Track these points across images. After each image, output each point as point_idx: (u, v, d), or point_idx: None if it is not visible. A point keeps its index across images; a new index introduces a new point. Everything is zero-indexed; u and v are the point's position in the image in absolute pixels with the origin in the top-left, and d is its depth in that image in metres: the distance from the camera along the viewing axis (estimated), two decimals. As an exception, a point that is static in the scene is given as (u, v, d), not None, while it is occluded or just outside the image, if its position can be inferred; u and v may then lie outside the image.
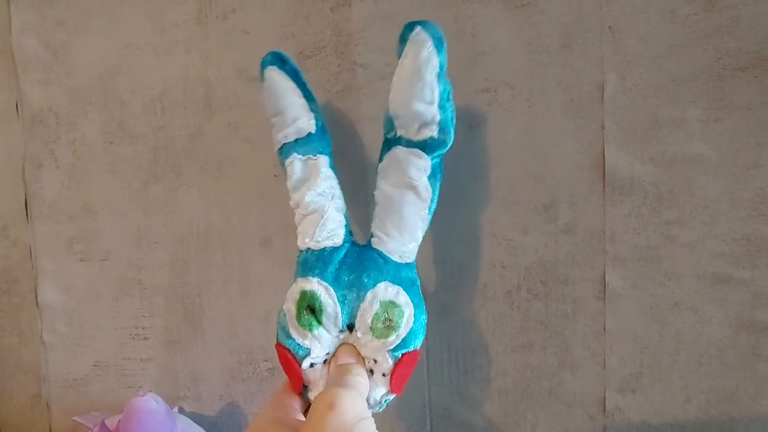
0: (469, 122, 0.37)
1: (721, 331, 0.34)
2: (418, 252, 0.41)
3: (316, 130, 0.30)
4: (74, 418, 0.42)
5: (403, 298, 0.28)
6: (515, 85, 0.36)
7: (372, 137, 0.39)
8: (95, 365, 0.50)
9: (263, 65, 0.30)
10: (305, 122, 0.29)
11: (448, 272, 0.39)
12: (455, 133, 0.37)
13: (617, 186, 0.35)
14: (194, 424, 0.44)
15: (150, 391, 0.40)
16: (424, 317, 0.29)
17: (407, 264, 0.29)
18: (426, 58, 0.26)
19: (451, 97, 0.28)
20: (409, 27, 0.27)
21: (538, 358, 0.38)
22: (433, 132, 0.28)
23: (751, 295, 0.33)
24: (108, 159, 0.47)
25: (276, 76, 0.29)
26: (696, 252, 0.34)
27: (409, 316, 0.27)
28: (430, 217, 0.30)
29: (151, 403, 0.37)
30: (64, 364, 0.50)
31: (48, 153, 0.48)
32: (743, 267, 0.33)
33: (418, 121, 0.27)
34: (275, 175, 0.43)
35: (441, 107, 0.27)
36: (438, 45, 0.26)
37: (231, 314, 0.46)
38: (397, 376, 0.27)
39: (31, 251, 0.49)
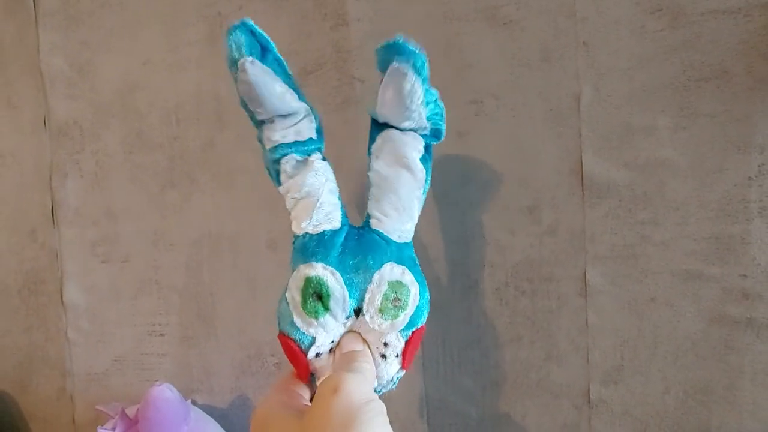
0: (458, 131, 0.40)
1: (695, 324, 0.36)
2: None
3: (317, 135, 0.28)
4: (97, 406, 0.45)
5: (408, 277, 0.27)
6: (500, 96, 0.39)
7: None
8: (116, 360, 0.53)
9: (236, 49, 0.25)
10: (306, 126, 0.28)
11: (441, 271, 0.42)
12: (446, 140, 0.40)
13: (595, 189, 0.37)
14: (206, 415, 0.47)
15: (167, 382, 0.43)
16: (427, 294, 0.28)
17: (407, 243, 0.28)
18: (409, 90, 0.25)
19: (438, 100, 0.27)
20: (387, 51, 0.25)
21: (526, 352, 0.40)
22: (425, 132, 0.28)
23: (721, 291, 0.35)
24: (128, 167, 0.50)
25: (261, 75, 0.25)
26: (669, 250, 0.36)
27: (415, 294, 0.27)
28: (424, 198, 0.29)
29: (166, 392, 0.40)
30: (86, 359, 0.54)
31: (73, 163, 0.52)
32: (713, 264, 0.35)
33: (410, 128, 0.28)
34: (281, 182, 0.46)
35: (430, 114, 0.27)
36: (419, 71, 0.24)
37: (240, 312, 0.48)
38: (409, 355, 0.27)
39: (57, 254, 0.53)
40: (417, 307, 0.27)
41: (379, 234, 0.27)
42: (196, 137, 0.48)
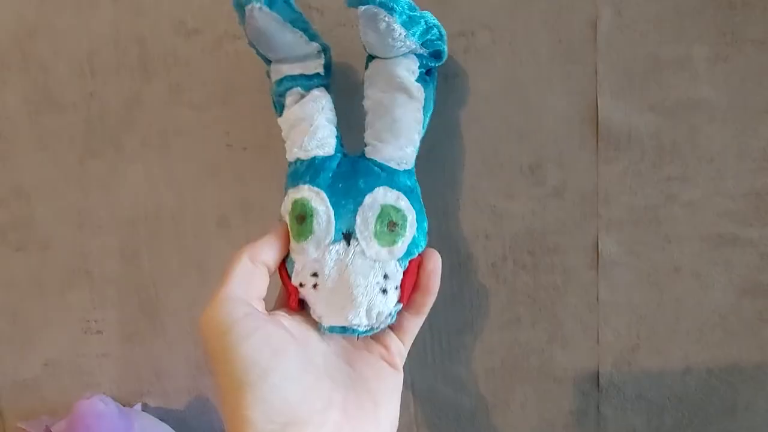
0: (443, 73, 0.33)
1: (725, 296, 0.31)
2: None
3: (324, 71, 0.29)
4: (19, 424, 0.39)
5: (404, 203, 0.26)
6: (495, 27, 0.32)
7: (335, 88, 0.35)
8: (46, 364, 0.46)
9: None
10: (314, 63, 0.29)
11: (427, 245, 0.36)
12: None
13: (612, 140, 0.31)
14: (157, 420, 0.41)
15: (109, 388, 0.37)
16: (426, 224, 0.28)
17: (406, 171, 0.28)
18: (385, 29, 0.24)
19: (430, 23, 0.27)
20: None
21: (526, 334, 0.36)
22: (422, 53, 0.28)
23: (759, 257, 0.30)
24: (35, 133, 0.41)
25: (271, 22, 0.26)
26: (699, 211, 0.31)
27: (412, 220, 0.26)
28: (426, 120, 0.28)
29: (98, 405, 0.33)
30: (11, 365, 0.46)
31: (-35, 130, 0.42)
32: (751, 225, 0.30)
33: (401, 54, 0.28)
34: (228, 145, 0.38)
35: (423, 40, 0.26)
36: (390, 6, 0.24)
37: (191, 302, 0.42)
38: (407, 286, 0.26)
39: (-40, 243, 0.44)
40: (414, 237, 0.26)
41: (374, 162, 0.27)
42: (117, 92, 0.39)
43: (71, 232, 0.43)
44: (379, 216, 0.25)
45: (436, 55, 0.27)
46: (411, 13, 0.25)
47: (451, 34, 0.32)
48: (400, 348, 0.27)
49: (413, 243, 0.26)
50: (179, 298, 0.42)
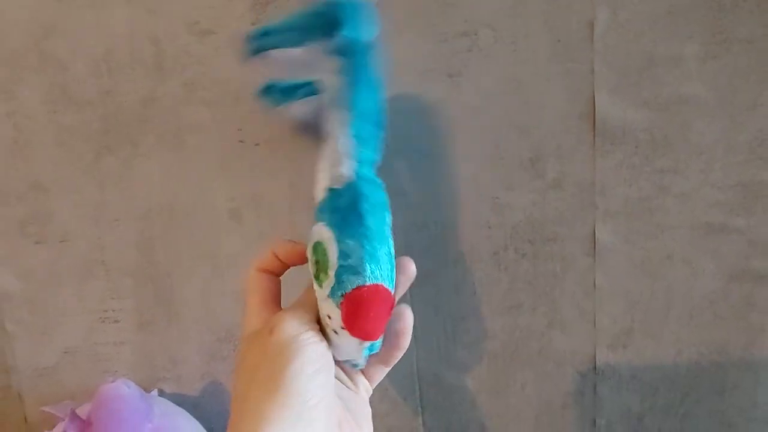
0: (447, 71, 0.34)
1: (714, 282, 0.33)
2: (398, 216, 0.39)
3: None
4: (44, 408, 0.40)
5: (325, 233, 0.23)
6: (497, 27, 0.33)
7: None
8: (66, 352, 0.47)
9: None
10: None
11: (431, 236, 0.37)
12: (433, 82, 0.34)
13: (608, 135, 0.32)
14: (175, 405, 0.43)
15: (126, 375, 0.38)
16: (359, 245, 0.22)
17: (333, 191, 0.24)
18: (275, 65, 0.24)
19: (302, 14, 0.24)
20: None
21: (526, 319, 0.37)
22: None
23: (746, 244, 0.32)
24: (53, 130, 0.42)
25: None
26: (690, 201, 0.32)
27: (332, 249, 0.22)
28: (366, 100, 0.25)
29: (121, 389, 0.35)
30: (31, 353, 0.48)
31: (-15, 127, 0.44)
32: (738, 215, 0.31)
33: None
34: (241, 141, 0.40)
35: (309, 39, 0.24)
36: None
37: (205, 292, 0.43)
38: (349, 319, 0.22)
39: (-20, 236, 0.46)
40: (341, 264, 0.22)
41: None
42: (133, 90, 0.40)
43: (88, 226, 0.44)
44: (312, 258, 0.23)
45: (333, 23, 0.22)
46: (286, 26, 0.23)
47: (454, 33, 0.34)
48: (366, 386, 0.28)
49: (343, 270, 0.22)
50: (193, 288, 0.43)
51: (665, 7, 0.30)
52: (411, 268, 0.26)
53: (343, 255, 0.22)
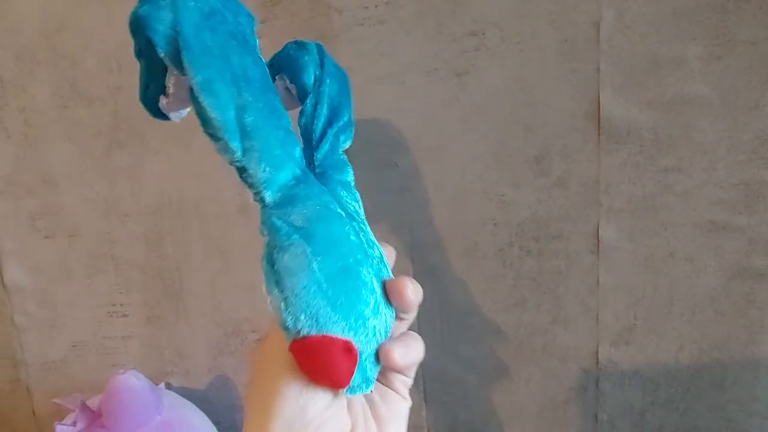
0: (455, 70, 0.35)
1: (715, 279, 0.33)
2: (404, 213, 0.39)
3: None
4: (55, 400, 0.40)
5: (266, 272, 0.19)
6: (504, 27, 0.33)
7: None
8: (74, 346, 0.48)
9: None
10: None
11: (437, 232, 0.38)
12: (441, 81, 0.35)
13: (613, 134, 0.33)
14: (183, 399, 0.43)
15: (134, 368, 0.39)
16: (290, 285, 0.18)
17: (271, 204, 0.20)
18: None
19: None
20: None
21: (531, 316, 0.38)
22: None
23: (747, 242, 0.32)
24: (64, 125, 0.43)
25: None
26: (693, 200, 0.33)
27: (269, 293, 0.19)
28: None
29: (132, 381, 0.35)
30: (40, 346, 0.48)
31: (-4, 122, 0.44)
32: (740, 213, 0.32)
33: None
34: (249, 137, 0.40)
35: None
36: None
37: (213, 287, 0.44)
38: (307, 370, 0.19)
39: (-10, 230, 0.46)
40: (278, 310, 0.19)
41: None
42: (144, 86, 0.41)
43: (98, 220, 0.44)
44: None
45: (148, 41, 0.19)
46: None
47: (462, 33, 0.34)
48: (403, 379, 0.24)
49: (282, 317, 0.19)
50: (201, 282, 0.44)
51: (670, 9, 0.30)
52: (404, 292, 0.21)
53: (271, 290, 0.19)
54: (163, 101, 0.21)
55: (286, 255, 0.19)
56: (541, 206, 0.36)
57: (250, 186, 0.20)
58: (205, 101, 0.18)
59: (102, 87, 0.42)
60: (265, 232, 0.20)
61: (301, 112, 0.23)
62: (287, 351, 0.19)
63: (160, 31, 0.18)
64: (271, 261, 0.19)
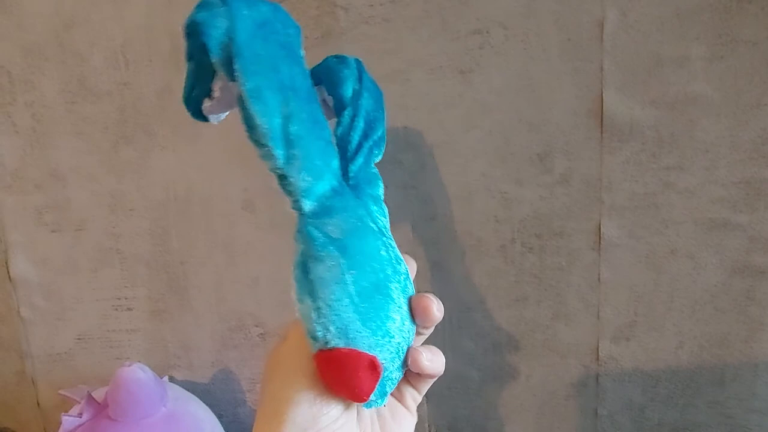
0: (459, 68, 0.35)
1: (715, 276, 0.34)
2: (408, 209, 0.40)
3: None
4: (60, 391, 0.41)
5: (299, 280, 0.20)
6: (509, 26, 0.34)
7: None
8: (79, 338, 0.48)
9: None
10: None
11: (440, 228, 0.38)
12: (445, 79, 0.35)
13: (616, 132, 0.33)
14: (186, 392, 0.44)
15: (139, 361, 0.39)
16: (311, 298, 0.19)
17: (309, 213, 0.20)
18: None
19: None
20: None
21: (532, 312, 0.38)
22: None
23: (748, 240, 0.33)
24: (71, 120, 0.43)
25: None
26: (694, 198, 0.33)
27: (300, 302, 0.19)
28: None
29: (138, 373, 0.36)
30: (45, 338, 0.49)
31: (4, 116, 0.44)
32: (741, 211, 0.32)
33: None
34: (255, 133, 0.40)
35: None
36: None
37: (218, 281, 0.44)
38: (328, 381, 0.19)
39: (-3, 223, 0.47)
40: (308, 319, 0.19)
41: None
42: (150, 82, 0.41)
43: (104, 214, 0.45)
44: None
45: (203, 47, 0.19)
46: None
47: (467, 31, 0.35)
48: (414, 395, 0.25)
49: (308, 327, 0.19)
50: (206, 276, 0.44)
51: (673, 9, 0.31)
52: (429, 307, 0.21)
53: (303, 300, 0.19)
54: (206, 104, 0.22)
55: (320, 266, 0.19)
56: (543, 203, 0.36)
57: (289, 194, 0.20)
58: (254, 108, 0.19)
59: (109, 83, 0.42)
60: (301, 240, 0.20)
61: (338, 123, 0.23)
62: (305, 358, 0.19)
63: (214, 37, 0.19)
64: (305, 270, 0.19)
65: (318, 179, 0.20)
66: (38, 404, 0.51)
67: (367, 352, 0.19)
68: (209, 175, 0.42)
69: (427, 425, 0.42)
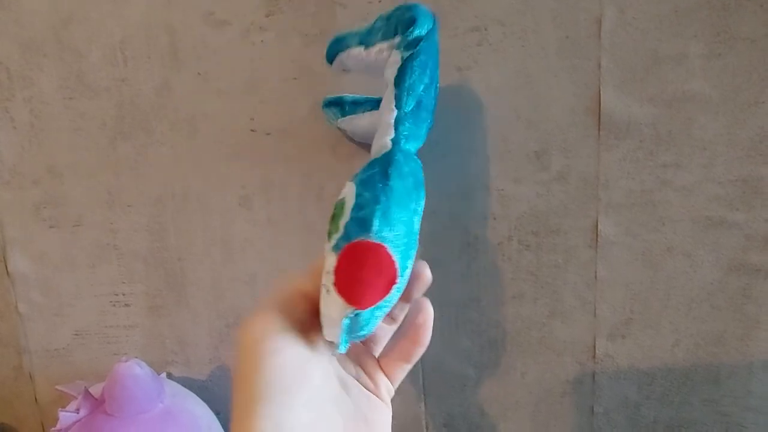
0: (457, 65, 0.35)
1: (712, 274, 0.34)
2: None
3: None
4: (57, 387, 0.41)
5: (349, 189, 0.23)
6: (507, 22, 0.34)
7: (354, 87, 0.37)
8: (76, 334, 0.48)
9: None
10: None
11: (438, 226, 0.38)
12: (443, 75, 0.35)
13: (613, 129, 0.33)
14: (183, 388, 0.44)
15: (136, 357, 0.39)
16: (372, 196, 0.21)
17: (381, 157, 0.25)
18: (354, 62, 0.30)
19: (385, 16, 0.28)
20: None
21: (528, 309, 0.38)
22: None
23: (744, 238, 0.33)
24: (69, 116, 0.43)
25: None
26: (691, 195, 0.33)
27: (350, 203, 0.22)
28: (414, 89, 0.27)
29: (135, 368, 0.36)
30: (43, 334, 0.49)
31: (2, 112, 0.44)
32: (738, 209, 0.32)
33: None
34: (253, 130, 0.40)
35: (390, 31, 0.28)
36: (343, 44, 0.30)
37: (215, 277, 0.44)
38: (339, 272, 0.21)
39: (-5, 219, 0.47)
40: (353, 215, 0.21)
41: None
42: (148, 79, 0.41)
43: (102, 210, 0.45)
44: (332, 213, 0.23)
45: (410, 23, 0.26)
46: (362, 32, 0.28)
47: (465, 28, 0.34)
48: (388, 386, 0.26)
49: (353, 222, 0.21)
50: (203, 272, 0.44)
51: (671, 7, 0.31)
52: (426, 273, 0.25)
53: (357, 207, 0.22)
54: (358, 50, 0.28)
55: (411, 179, 0.24)
56: (540, 201, 0.36)
57: (397, 131, 0.26)
58: (417, 69, 0.26)
59: (108, 79, 0.42)
60: (387, 162, 0.24)
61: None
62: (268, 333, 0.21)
63: (424, 20, 0.26)
64: (386, 177, 0.23)
65: (414, 139, 0.27)
66: (36, 399, 0.51)
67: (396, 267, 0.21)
68: (207, 172, 0.42)
69: (423, 422, 0.42)
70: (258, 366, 0.20)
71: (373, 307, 0.21)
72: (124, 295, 0.46)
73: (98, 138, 0.43)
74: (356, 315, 0.21)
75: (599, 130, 0.33)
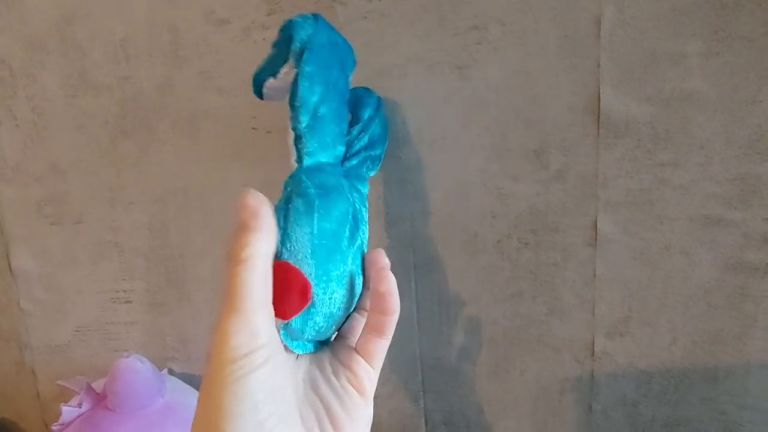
0: (457, 63, 0.35)
1: (709, 272, 0.34)
2: (405, 204, 0.40)
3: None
4: (59, 382, 0.41)
5: (279, 208, 0.24)
6: (506, 22, 0.34)
7: (354, 85, 0.37)
8: (78, 330, 0.49)
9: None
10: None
11: (437, 224, 0.38)
12: (442, 75, 0.35)
13: (612, 128, 0.33)
14: (184, 384, 0.44)
15: (137, 353, 0.39)
16: (277, 218, 0.22)
17: (300, 168, 0.26)
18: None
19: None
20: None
21: (527, 307, 0.38)
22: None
23: (742, 236, 0.33)
24: (72, 114, 0.44)
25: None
26: (689, 194, 0.33)
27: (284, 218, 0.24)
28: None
29: (136, 364, 0.36)
30: (45, 330, 0.49)
31: (5, 109, 0.45)
32: (735, 208, 0.32)
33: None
34: (254, 128, 0.41)
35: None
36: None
37: (215, 274, 0.44)
38: (273, 293, 0.22)
39: (-2, 216, 0.47)
40: (281, 229, 0.23)
41: None
42: (150, 77, 0.41)
43: (104, 208, 0.45)
44: None
45: (290, 40, 0.26)
46: (268, 60, 0.27)
47: (464, 27, 0.35)
48: (369, 373, 0.24)
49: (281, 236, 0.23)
50: (204, 269, 0.45)
51: (669, 6, 0.31)
52: (380, 259, 0.25)
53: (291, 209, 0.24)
54: (270, 81, 0.27)
55: (300, 199, 0.24)
56: (539, 199, 0.36)
57: (297, 150, 0.26)
58: (303, 83, 0.25)
59: (110, 77, 0.42)
60: (291, 183, 0.25)
61: (348, 132, 0.30)
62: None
63: (300, 33, 0.26)
64: (288, 200, 0.24)
65: (323, 150, 0.26)
66: (38, 395, 0.51)
67: (307, 277, 0.22)
68: (208, 170, 0.42)
69: (422, 420, 0.43)
70: (233, 388, 0.19)
71: (300, 314, 0.23)
72: (125, 291, 0.47)
73: (100, 136, 0.44)
74: (286, 325, 0.23)
75: (598, 128, 0.34)
